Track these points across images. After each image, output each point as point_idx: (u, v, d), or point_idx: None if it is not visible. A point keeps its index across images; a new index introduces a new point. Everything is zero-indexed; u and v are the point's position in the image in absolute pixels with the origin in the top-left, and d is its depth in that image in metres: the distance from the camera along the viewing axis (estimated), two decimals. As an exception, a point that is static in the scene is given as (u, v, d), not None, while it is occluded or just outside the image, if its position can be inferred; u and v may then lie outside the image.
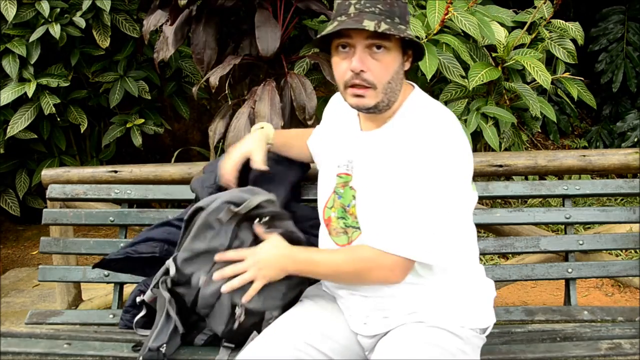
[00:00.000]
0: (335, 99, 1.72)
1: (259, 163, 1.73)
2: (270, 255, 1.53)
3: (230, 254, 1.55)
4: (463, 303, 1.53)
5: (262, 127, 1.82)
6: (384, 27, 1.37)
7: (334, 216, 1.57)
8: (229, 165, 1.76)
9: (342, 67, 1.44)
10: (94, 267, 1.87)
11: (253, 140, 1.78)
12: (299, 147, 1.85)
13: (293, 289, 1.64)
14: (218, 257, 1.56)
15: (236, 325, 1.58)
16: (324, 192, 1.62)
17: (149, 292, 1.70)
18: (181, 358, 1.66)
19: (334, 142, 1.64)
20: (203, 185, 1.86)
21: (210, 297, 1.58)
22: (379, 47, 1.41)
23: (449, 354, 1.46)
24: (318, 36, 1.45)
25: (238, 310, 1.56)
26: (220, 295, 1.56)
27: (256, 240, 1.59)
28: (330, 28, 1.41)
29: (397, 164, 1.44)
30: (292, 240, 1.60)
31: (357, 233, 1.52)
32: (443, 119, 1.46)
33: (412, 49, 1.49)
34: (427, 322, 1.49)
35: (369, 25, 1.36)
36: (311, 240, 1.69)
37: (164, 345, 1.61)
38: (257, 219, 1.60)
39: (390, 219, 1.42)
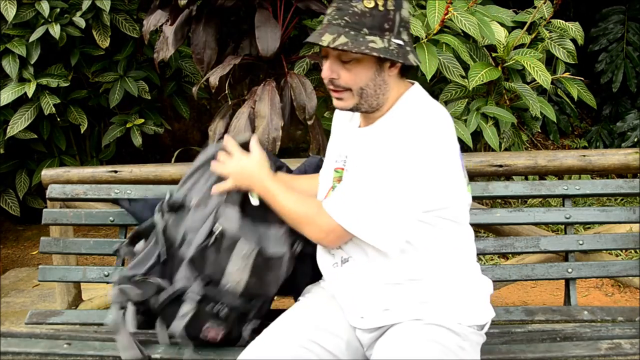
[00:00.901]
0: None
1: (219, 187, 1.70)
2: (250, 170, 1.62)
3: (228, 145, 1.66)
4: (459, 300, 1.53)
5: None
6: (340, 41, 1.40)
7: None
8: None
9: (323, 72, 1.51)
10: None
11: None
12: (303, 189, 1.81)
13: (272, 239, 1.66)
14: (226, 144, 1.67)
15: (211, 241, 1.60)
16: (324, 187, 1.66)
17: (141, 242, 1.75)
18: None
19: (336, 139, 1.69)
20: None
21: (198, 221, 1.64)
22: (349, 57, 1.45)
23: (448, 351, 1.46)
24: (304, 41, 1.53)
25: (217, 225, 1.61)
26: (206, 220, 1.63)
27: None
28: (307, 38, 1.47)
29: (376, 156, 1.47)
30: None
31: None
32: (429, 116, 1.47)
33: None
34: (424, 320, 1.49)
35: (326, 39, 1.41)
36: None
37: (137, 276, 1.64)
38: None
39: (345, 189, 1.49)
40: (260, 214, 1.67)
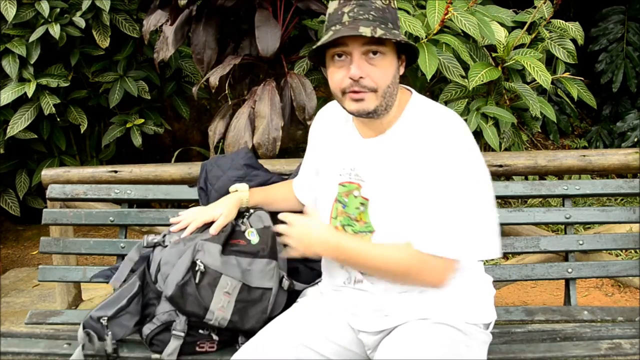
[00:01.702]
0: (320, 117, 1.72)
1: (214, 229, 1.71)
2: (320, 238, 1.50)
3: (289, 217, 1.54)
4: (466, 299, 1.53)
5: (237, 190, 1.83)
6: (380, 32, 1.37)
7: (339, 225, 1.57)
8: (193, 225, 1.74)
9: (338, 75, 1.44)
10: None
11: (225, 205, 1.78)
12: (282, 200, 1.85)
13: (256, 273, 1.66)
14: (281, 215, 1.56)
15: (192, 278, 1.59)
16: (326, 203, 1.61)
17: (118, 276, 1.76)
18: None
19: (331, 152, 1.62)
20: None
21: (174, 254, 1.64)
22: (375, 52, 1.41)
23: (455, 350, 1.46)
24: (314, 47, 1.45)
25: (199, 264, 1.60)
26: (182, 255, 1.63)
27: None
28: (326, 37, 1.41)
29: (416, 169, 1.43)
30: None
31: (369, 236, 1.52)
32: (453, 121, 1.46)
33: (405, 54, 1.50)
34: (431, 319, 1.49)
35: (366, 31, 1.36)
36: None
37: (106, 317, 1.63)
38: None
39: (434, 223, 1.42)
40: (245, 248, 1.68)
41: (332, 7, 1.44)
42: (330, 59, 1.45)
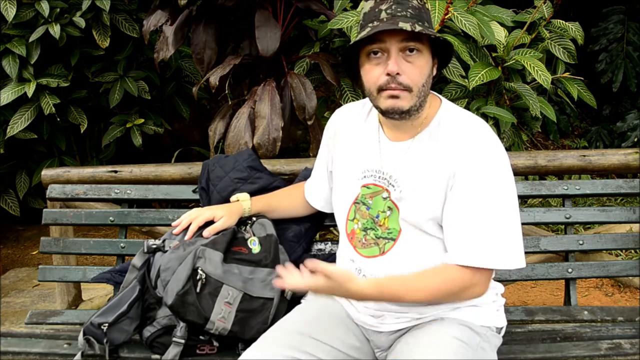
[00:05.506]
0: (337, 118, 1.70)
1: (207, 231, 1.71)
2: (356, 291, 1.40)
3: (327, 268, 1.35)
4: (482, 302, 1.54)
5: (238, 200, 1.83)
6: (419, 28, 1.37)
7: (357, 228, 1.55)
8: (195, 223, 1.73)
9: (375, 72, 1.43)
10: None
11: (227, 209, 1.77)
12: (287, 205, 1.85)
13: (258, 283, 1.65)
14: (310, 265, 1.36)
15: (192, 287, 1.58)
16: (343, 204, 1.60)
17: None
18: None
19: (352, 153, 1.60)
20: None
21: (174, 260, 1.62)
22: (412, 49, 1.40)
23: (470, 350, 1.46)
24: (352, 42, 1.43)
25: (200, 273, 1.59)
26: (183, 261, 1.61)
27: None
28: (364, 33, 1.40)
29: (451, 176, 1.43)
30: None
31: (390, 244, 1.50)
32: (485, 129, 1.47)
33: (437, 56, 1.49)
34: (448, 318, 1.50)
35: (405, 26, 1.36)
36: None
37: (107, 324, 1.62)
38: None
39: (472, 235, 1.42)
40: (247, 256, 1.68)
41: (367, 6, 1.44)
42: (366, 57, 1.44)
